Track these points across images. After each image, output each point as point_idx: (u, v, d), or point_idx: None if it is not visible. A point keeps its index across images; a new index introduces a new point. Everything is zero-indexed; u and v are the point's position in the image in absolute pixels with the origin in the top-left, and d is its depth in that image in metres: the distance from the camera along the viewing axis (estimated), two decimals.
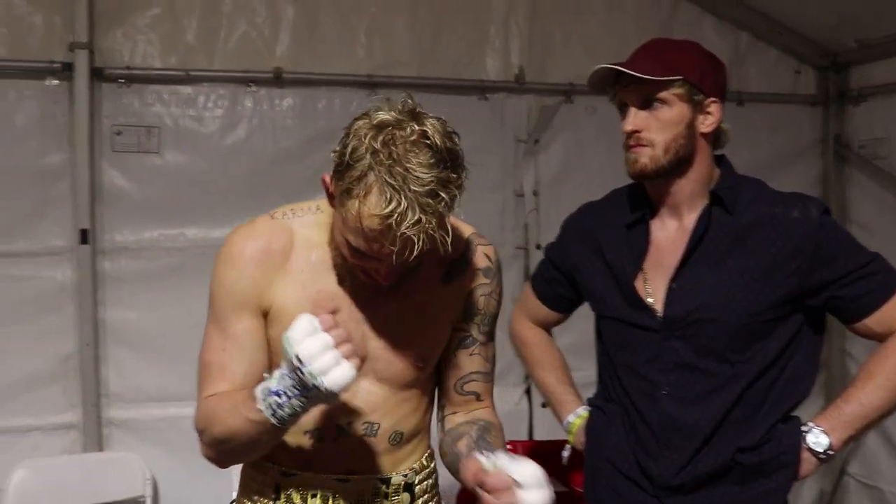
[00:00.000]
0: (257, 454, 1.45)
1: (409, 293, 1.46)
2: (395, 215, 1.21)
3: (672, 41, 1.79)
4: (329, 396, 1.24)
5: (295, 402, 1.26)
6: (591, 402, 1.95)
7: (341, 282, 1.44)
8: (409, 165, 1.22)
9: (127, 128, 2.94)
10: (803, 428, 1.70)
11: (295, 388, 1.25)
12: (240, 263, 1.42)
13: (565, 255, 1.92)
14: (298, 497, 1.49)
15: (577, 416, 1.96)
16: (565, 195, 3.23)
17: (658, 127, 1.68)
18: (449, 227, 1.27)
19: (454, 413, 1.57)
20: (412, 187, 1.21)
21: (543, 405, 3.23)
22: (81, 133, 2.83)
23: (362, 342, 1.43)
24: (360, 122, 1.27)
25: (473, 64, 3.24)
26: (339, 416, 1.47)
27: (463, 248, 1.50)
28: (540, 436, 3.23)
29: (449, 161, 1.26)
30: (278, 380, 1.27)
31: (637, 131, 1.69)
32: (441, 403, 1.60)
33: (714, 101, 1.71)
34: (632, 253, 1.77)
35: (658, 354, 1.73)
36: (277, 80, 3.03)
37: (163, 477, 2.89)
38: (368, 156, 1.23)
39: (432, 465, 1.62)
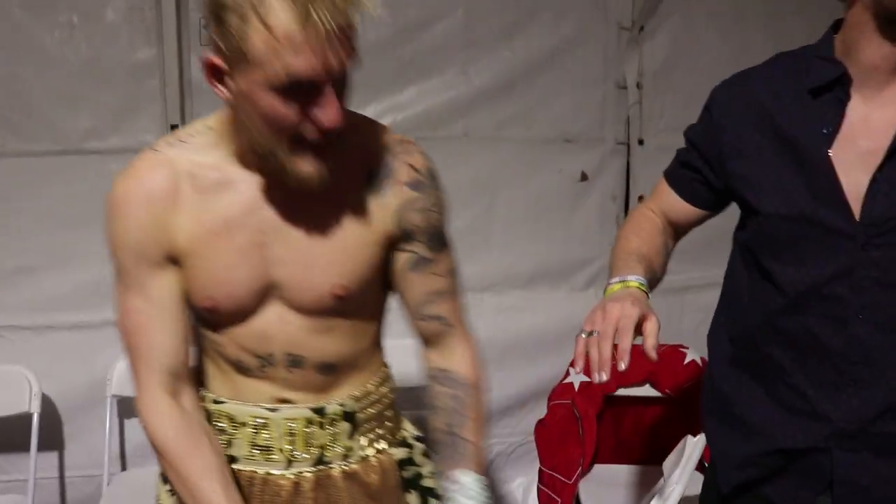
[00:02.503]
0: None
1: (320, 210, 1.34)
2: (305, 4, 1.09)
3: None
4: None
5: None
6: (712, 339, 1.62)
7: (241, 201, 1.32)
8: None
9: None
10: None
11: None
12: (128, 216, 1.31)
13: (713, 134, 1.51)
14: (229, 426, 1.46)
15: (623, 281, 1.42)
16: (673, 87, 3.04)
17: None
18: None
19: (429, 348, 1.50)
20: None
21: None
22: (169, 27, 2.77)
23: (264, 269, 1.35)
24: None
25: None
26: (257, 348, 1.40)
27: (385, 158, 1.37)
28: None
29: None
30: None
31: None
32: (415, 335, 1.51)
33: None
34: (814, 130, 1.37)
35: (851, 267, 1.35)
36: None
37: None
38: None
39: (382, 390, 1.53)
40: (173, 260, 1.34)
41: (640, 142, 3.06)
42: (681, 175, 1.62)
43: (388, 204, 1.37)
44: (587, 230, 3.09)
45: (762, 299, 1.48)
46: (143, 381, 1.38)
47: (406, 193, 1.37)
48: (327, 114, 1.17)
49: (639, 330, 1.30)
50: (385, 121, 2.95)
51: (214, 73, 1.20)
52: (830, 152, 1.35)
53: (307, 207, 1.33)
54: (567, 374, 2.84)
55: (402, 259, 1.42)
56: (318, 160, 1.23)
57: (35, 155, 2.81)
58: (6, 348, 2.82)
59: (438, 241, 1.43)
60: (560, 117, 3.06)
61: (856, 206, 1.34)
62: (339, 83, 1.19)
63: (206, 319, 1.41)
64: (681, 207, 1.62)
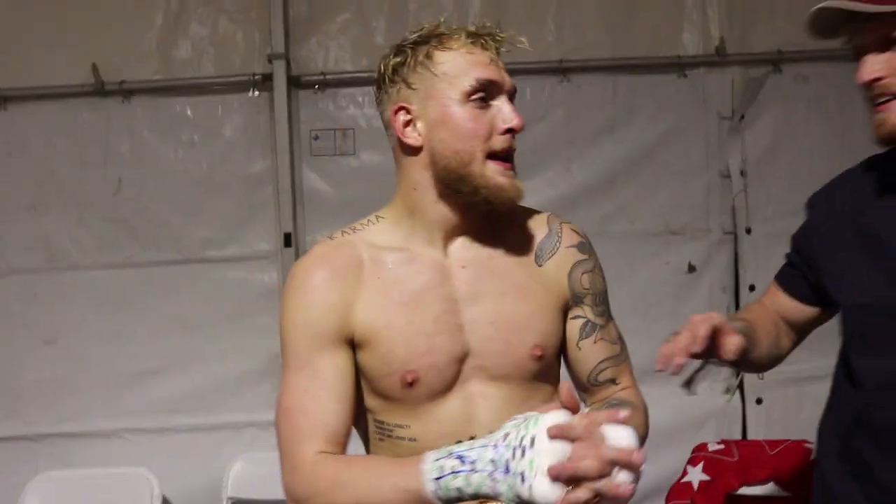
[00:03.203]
0: None
1: (505, 274, 1.37)
2: (471, 27, 1.34)
3: None
4: (513, 497, 1.09)
5: (477, 477, 1.10)
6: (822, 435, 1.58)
7: (428, 273, 1.34)
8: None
9: (324, 132, 3.02)
10: None
11: (494, 462, 1.09)
12: (311, 291, 1.31)
13: (809, 235, 1.56)
14: None
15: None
16: (776, 174, 3.00)
17: None
18: None
19: (591, 402, 1.44)
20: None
21: (758, 401, 3.01)
22: (282, 140, 2.94)
23: (460, 336, 1.32)
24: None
25: (670, 39, 3.06)
26: (459, 431, 1.30)
27: (548, 227, 1.43)
28: (755, 435, 3.00)
29: None
30: (472, 447, 1.12)
31: (879, 79, 1.33)
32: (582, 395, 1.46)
33: None
34: None
35: None
36: None
37: None
38: (411, 35, 1.35)
39: None
40: (350, 341, 1.31)
41: (748, 230, 3.01)
42: (786, 273, 1.63)
43: (561, 266, 1.41)
44: None
45: (849, 395, 1.46)
46: (294, 458, 1.26)
47: (575, 255, 1.42)
48: (511, 117, 1.32)
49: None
50: None
51: (404, 121, 1.33)
52: None
53: (493, 274, 1.36)
54: (685, 472, 2.74)
55: (573, 326, 1.42)
56: (510, 173, 1.32)
57: (158, 264, 2.98)
58: (128, 450, 2.93)
59: (604, 306, 1.45)
60: (664, 209, 3.06)
61: None
62: (511, 97, 1.35)
63: (401, 402, 1.32)
64: (791, 305, 1.61)
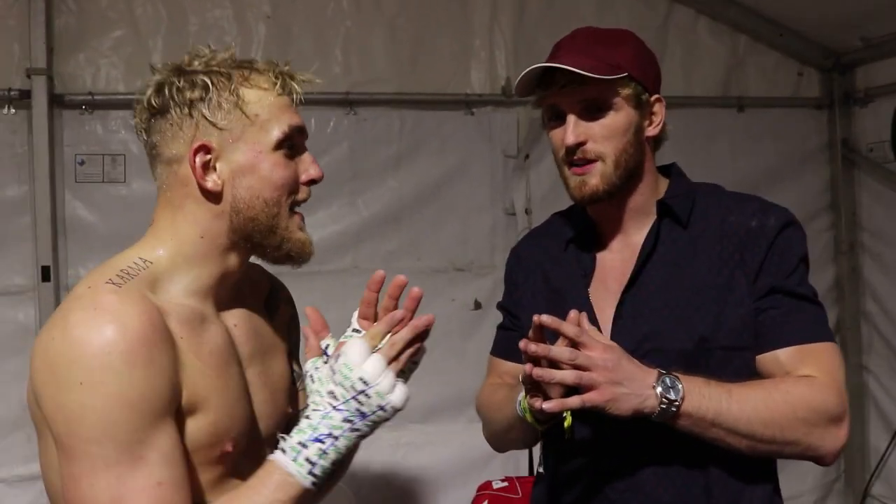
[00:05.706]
0: None
1: (263, 333, 1.36)
2: (269, 63, 1.28)
3: (605, 31, 1.50)
4: (389, 416, 1.16)
5: (342, 441, 1.14)
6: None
7: (220, 333, 1.24)
8: None
9: (90, 156, 2.79)
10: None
11: (348, 420, 1.13)
12: (142, 356, 1.08)
13: (511, 292, 1.65)
14: None
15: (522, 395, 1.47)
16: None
17: (606, 136, 1.42)
18: None
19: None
20: None
21: None
22: (41, 163, 2.68)
23: (250, 399, 1.27)
24: None
25: (457, 77, 3.08)
26: None
27: (269, 281, 1.46)
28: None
29: None
30: (317, 425, 1.14)
31: (582, 143, 1.42)
32: None
33: (658, 100, 1.49)
34: (575, 276, 1.52)
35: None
36: None
37: None
38: (196, 62, 1.24)
39: None
40: (177, 410, 1.14)
41: None
42: (502, 342, 1.66)
43: (284, 320, 1.43)
44: (482, 359, 3.02)
45: None
46: None
47: (289, 309, 1.46)
48: (313, 167, 1.26)
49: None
50: None
51: (202, 162, 1.19)
52: (589, 292, 1.50)
53: (256, 334, 1.32)
54: None
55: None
56: (304, 227, 1.27)
57: None
58: None
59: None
60: (450, 246, 3.06)
61: (605, 330, 1.45)
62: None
63: (203, 475, 1.19)
64: (515, 371, 1.55)
